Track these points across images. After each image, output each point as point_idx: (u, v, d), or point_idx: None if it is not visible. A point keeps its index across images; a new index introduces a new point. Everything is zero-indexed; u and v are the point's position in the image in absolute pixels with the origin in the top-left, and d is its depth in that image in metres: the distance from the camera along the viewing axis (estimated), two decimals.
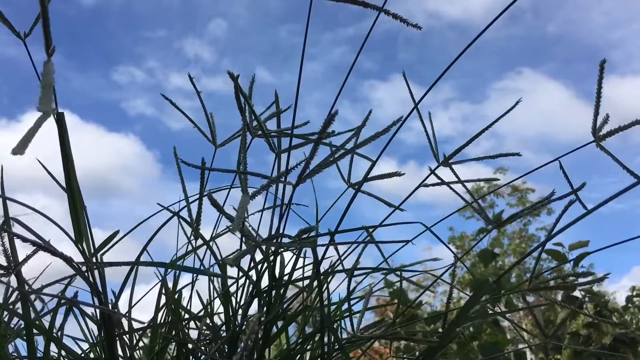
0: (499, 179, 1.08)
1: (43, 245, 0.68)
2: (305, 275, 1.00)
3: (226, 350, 0.90)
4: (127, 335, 0.94)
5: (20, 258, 0.80)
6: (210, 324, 0.99)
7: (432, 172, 0.97)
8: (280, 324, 0.98)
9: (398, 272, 1.09)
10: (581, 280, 1.02)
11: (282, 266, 0.92)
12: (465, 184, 0.99)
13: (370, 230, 0.98)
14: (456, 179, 0.98)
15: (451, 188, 0.95)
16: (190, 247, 0.98)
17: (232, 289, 0.95)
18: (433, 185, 0.96)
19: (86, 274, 0.76)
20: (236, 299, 0.94)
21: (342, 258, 0.99)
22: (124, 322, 0.91)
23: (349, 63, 0.81)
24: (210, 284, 1.02)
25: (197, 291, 1.02)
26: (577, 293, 2.87)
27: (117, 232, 0.79)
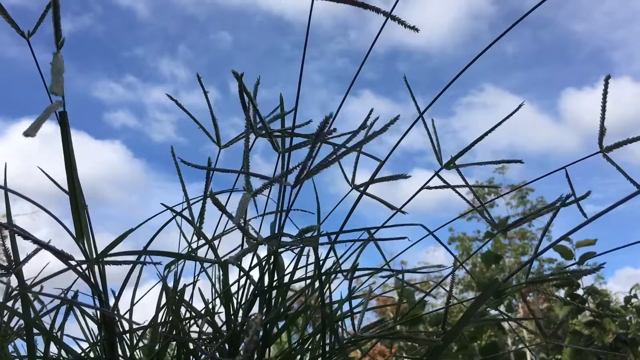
0: (499, 186, 1.09)
1: (44, 244, 0.68)
2: (307, 275, 1.00)
3: (227, 349, 0.89)
4: (128, 335, 0.93)
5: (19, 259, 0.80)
6: (211, 324, 0.99)
7: (436, 173, 0.96)
8: (281, 324, 0.98)
9: (400, 274, 1.08)
10: (574, 269, 1.02)
11: (282, 266, 0.92)
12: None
13: (372, 231, 0.98)
14: (461, 182, 0.97)
15: (456, 191, 0.95)
16: (191, 248, 0.98)
17: (233, 288, 0.95)
18: (437, 187, 0.96)
19: (87, 272, 0.76)
20: (237, 298, 0.93)
21: (343, 258, 0.99)
22: (124, 322, 0.91)
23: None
24: (211, 283, 1.02)
25: (199, 288, 1.02)
26: (579, 292, 2.86)
27: (130, 231, 0.78)
